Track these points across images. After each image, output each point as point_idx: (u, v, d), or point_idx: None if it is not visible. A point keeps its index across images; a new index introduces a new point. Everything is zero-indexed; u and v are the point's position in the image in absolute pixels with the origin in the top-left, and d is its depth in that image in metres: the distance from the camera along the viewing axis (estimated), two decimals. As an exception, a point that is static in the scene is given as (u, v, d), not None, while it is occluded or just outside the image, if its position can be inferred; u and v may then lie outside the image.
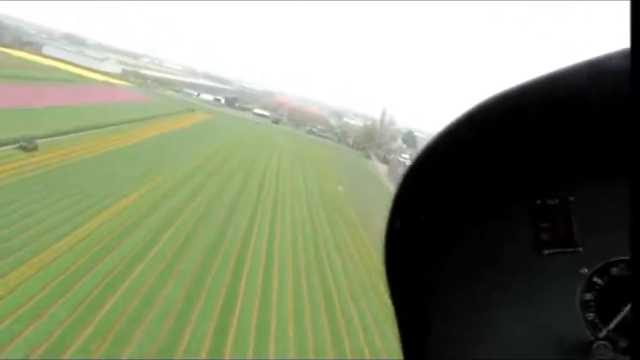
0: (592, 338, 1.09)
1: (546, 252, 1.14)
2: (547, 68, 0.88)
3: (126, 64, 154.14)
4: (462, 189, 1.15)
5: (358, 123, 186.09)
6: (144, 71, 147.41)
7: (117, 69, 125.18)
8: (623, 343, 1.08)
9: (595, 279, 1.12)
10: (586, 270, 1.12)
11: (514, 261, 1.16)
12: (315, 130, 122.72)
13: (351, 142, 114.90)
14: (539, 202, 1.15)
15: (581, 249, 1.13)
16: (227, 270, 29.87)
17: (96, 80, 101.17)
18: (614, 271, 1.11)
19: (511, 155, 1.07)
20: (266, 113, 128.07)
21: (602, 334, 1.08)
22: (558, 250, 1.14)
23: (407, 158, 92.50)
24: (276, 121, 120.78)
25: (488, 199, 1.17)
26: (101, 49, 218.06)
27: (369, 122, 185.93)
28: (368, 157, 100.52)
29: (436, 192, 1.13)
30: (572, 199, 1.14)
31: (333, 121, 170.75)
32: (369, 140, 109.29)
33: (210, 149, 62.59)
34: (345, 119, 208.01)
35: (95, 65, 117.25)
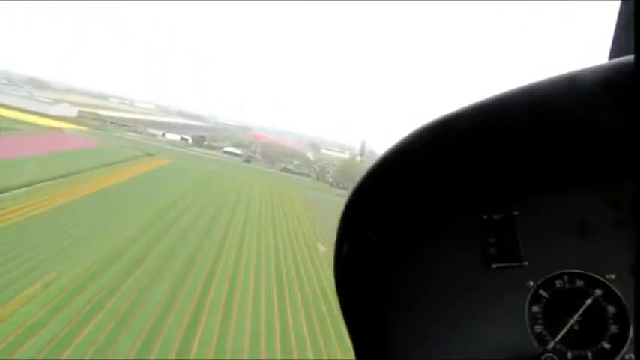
0: (540, 350, 1.08)
1: (494, 266, 1.15)
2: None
3: (86, 105, 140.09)
4: (410, 207, 1.14)
5: (337, 154, 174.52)
6: (106, 112, 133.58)
7: (72, 112, 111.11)
8: (569, 355, 1.08)
9: (541, 292, 1.12)
10: (532, 283, 1.12)
11: (464, 276, 1.16)
12: (291, 167, 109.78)
13: (330, 179, 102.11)
14: (485, 217, 1.15)
15: (526, 263, 1.13)
16: None
17: (42, 126, 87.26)
18: (558, 283, 1.11)
19: (457, 172, 1.07)
20: (238, 151, 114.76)
21: (549, 346, 1.08)
22: (505, 264, 1.14)
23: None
24: (247, 160, 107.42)
25: (436, 215, 1.17)
26: (67, 92, 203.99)
27: (347, 153, 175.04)
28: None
29: (383, 211, 1.13)
30: (516, 213, 1.14)
31: (310, 154, 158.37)
32: (350, 176, 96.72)
33: (160, 205, 48.97)
34: (323, 150, 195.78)
35: (45, 109, 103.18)
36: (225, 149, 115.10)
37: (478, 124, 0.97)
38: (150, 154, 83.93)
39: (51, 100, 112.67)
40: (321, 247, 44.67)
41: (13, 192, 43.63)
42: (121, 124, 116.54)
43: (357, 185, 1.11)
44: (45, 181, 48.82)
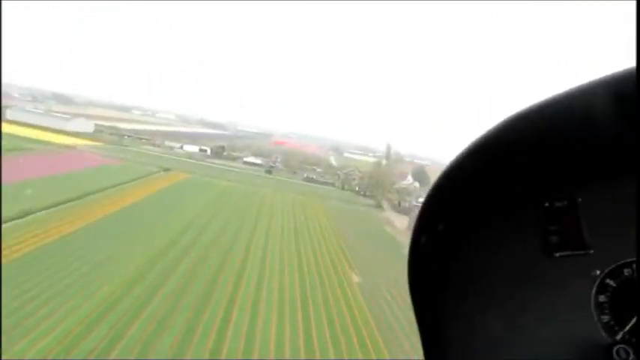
0: (610, 341, 1.05)
1: (557, 254, 1.10)
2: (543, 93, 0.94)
3: (108, 118, 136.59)
4: (477, 201, 1.14)
5: (361, 158, 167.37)
6: (126, 125, 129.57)
7: (88, 127, 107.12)
8: None
9: (607, 281, 1.07)
10: (598, 272, 1.08)
11: (525, 265, 1.13)
12: (314, 175, 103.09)
13: (357, 187, 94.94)
14: (547, 204, 1.11)
15: (592, 251, 1.09)
16: None
17: (55, 144, 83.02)
18: (626, 272, 1.07)
19: (520, 160, 1.06)
20: (258, 161, 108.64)
21: (618, 337, 1.04)
22: (569, 252, 1.09)
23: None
24: (269, 171, 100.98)
25: (498, 205, 1.15)
26: (89, 105, 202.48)
27: (371, 155, 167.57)
28: (379, 206, 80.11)
29: (453, 205, 1.15)
30: (580, 200, 1.10)
31: (333, 160, 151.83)
32: (377, 182, 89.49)
33: (166, 238, 43.10)
34: (346, 154, 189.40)
35: (62, 125, 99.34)
36: (245, 159, 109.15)
37: (537, 125, 0.97)
38: (166, 169, 78.70)
39: (68, 116, 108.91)
40: (355, 278, 38.03)
41: (12, 222, 38.37)
42: (138, 137, 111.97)
43: (432, 186, 1.13)
44: (70, 201, 43.09)
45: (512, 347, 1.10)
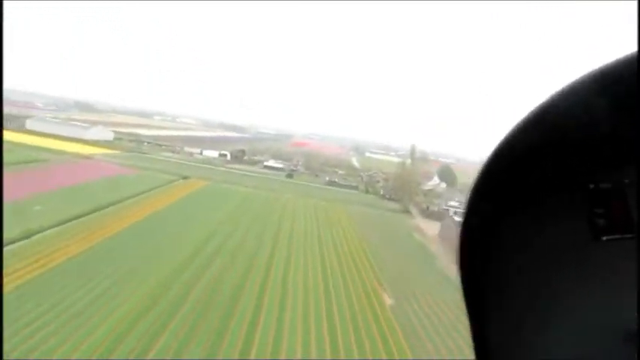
0: None
1: (604, 238, 1.06)
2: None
3: (129, 125, 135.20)
4: (523, 177, 1.11)
5: (383, 157, 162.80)
6: (147, 131, 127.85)
7: (107, 135, 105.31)
8: None
9: None
10: None
11: (571, 247, 1.10)
12: (336, 178, 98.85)
13: (381, 191, 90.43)
14: (592, 186, 1.08)
15: None
16: None
17: (70, 154, 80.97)
18: None
19: (562, 140, 1.04)
20: (278, 165, 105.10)
21: None
22: (617, 235, 1.05)
23: (457, 207, 67.40)
24: (290, 175, 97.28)
25: (542, 187, 1.12)
26: (112, 113, 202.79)
27: (393, 155, 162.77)
28: (406, 211, 75.40)
29: (502, 184, 1.13)
30: (627, 181, 1.05)
31: (355, 160, 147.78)
32: (403, 185, 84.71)
33: (188, 249, 39.75)
34: (368, 154, 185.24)
35: (80, 134, 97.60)
36: (266, 163, 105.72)
37: (582, 104, 0.94)
38: (185, 177, 75.75)
39: (87, 125, 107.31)
40: (388, 300, 33.85)
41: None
42: (157, 143, 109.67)
43: (483, 166, 1.10)
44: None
45: (557, 332, 1.08)
